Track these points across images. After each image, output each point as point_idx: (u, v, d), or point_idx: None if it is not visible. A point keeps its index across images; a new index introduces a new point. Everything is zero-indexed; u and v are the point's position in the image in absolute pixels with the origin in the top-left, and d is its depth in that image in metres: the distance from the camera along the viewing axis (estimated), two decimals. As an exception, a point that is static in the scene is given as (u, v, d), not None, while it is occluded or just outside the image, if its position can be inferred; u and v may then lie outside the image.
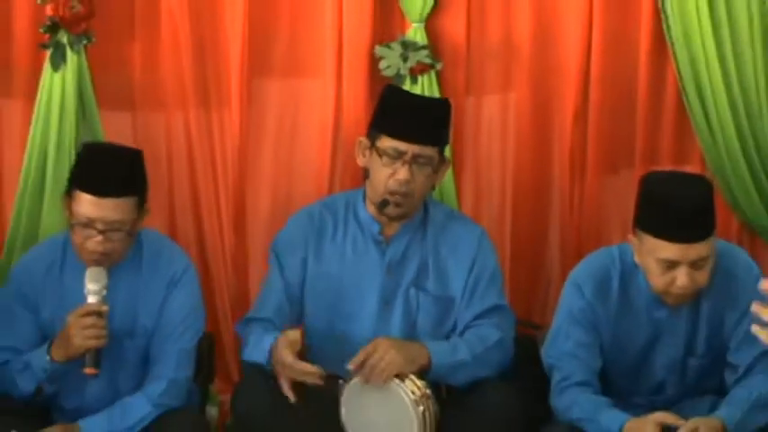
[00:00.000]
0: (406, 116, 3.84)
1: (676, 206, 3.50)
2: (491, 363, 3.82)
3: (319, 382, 3.66)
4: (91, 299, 3.65)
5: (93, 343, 3.60)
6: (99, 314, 3.63)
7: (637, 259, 3.65)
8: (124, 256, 3.77)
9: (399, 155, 3.80)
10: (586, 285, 3.75)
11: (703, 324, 3.73)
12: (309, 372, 3.66)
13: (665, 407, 3.74)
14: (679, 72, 4.33)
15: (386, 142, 3.82)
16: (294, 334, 3.72)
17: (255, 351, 3.81)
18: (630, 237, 3.66)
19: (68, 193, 3.72)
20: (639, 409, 3.70)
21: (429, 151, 3.82)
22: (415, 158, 3.81)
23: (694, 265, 3.52)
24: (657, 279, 3.59)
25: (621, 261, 3.75)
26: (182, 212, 4.53)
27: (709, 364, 3.78)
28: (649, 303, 3.70)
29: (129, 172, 3.74)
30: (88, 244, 3.67)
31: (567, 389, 3.71)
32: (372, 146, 3.86)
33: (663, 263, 3.53)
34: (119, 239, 3.68)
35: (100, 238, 3.65)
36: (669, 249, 3.51)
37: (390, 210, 3.86)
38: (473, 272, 3.92)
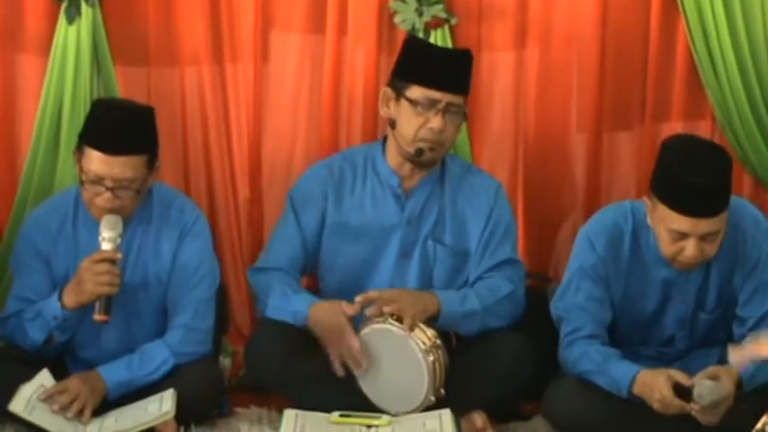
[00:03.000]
0: (438, 65, 3.85)
1: (692, 185, 3.49)
2: (501, 314, 3.85)
3: (358, 371, 3.70)
4: (105, 246, 3.67)
5: (105, 290, 3.63)
6: (113, 261, 3.65)
7: (649, 221, 3.67)
8: (134, 211, 3.79)
9: (433, 104, 3.81)
10: (598, 241, 3.77)
11: (713, 280, 3.75)
12: (362, 363, 3.68)
13: (675, 358, 3.79)
14: (689, 29, 4.32)
15: (417, 92, 3.82)
16: (354, 309, 3.70)
17: (284, 312, 3.81)
18: (645, 198, 3.67)
19: (79, 149, 3.74)
20: (648, 361, 3.74)
21: (459, 100, 3.85)
22: (448, 107, 3.81)
23: (704, 238, 3.54)
24: (666, 247, 3.60)
25: (634, 217, 3.76)
26: (195, 168, 4.54)
27: (718, 318, 3.79)
28: (660, 260, 3.71)
29: (141, 130, 3.76)
30: (97, 200, 3.69)
31: (576, 341, 3.73)
32: (400, 96, 3.85)
33: (673, 233, 3.55)
34: (128, 197, 3.70)
35: (109, 195, 3.67)
36: (680, 222, 3.52)
37: (426, 156, 3.86)
38: (489, 224, 3.94)
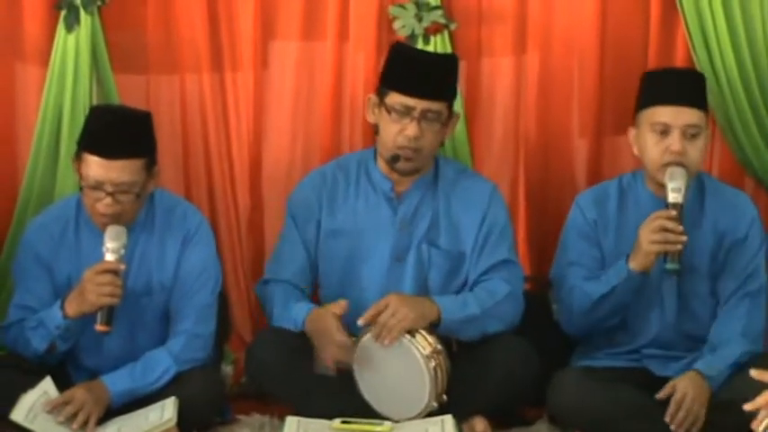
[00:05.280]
0: (415, 72, 3.86)
1: (670, 72, 3.99)
2: (501, 316, 3.84)
3: (356, 362, 3.70)
4: (109, 256, 3.67)
5: (107, 300, 3.62)
6: (115, 272, 3.64)
7: (636, 152, 3.91)
8: (135, 218, 3.79)
9: (408, 111, 3.82)
10: (586, 204, 3.98)
11: (703, 241, 3.87)
12: (355, 355, 3.69)
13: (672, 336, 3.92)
14: (689, 32, 4.33)
15: (394, 98, 3.84)
16: (340, 307, 3.72)
17: (286, 321, 3.83)
18: (629, 130, 3.92)
19: (78, 156, 3.75)
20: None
21: (437, 106, 3.84)
22: (424, 114, 3.82)
23: (686, 133, 3.78)
24: (653, 150, 3.81)
25: (619, 182, 4.01)
26: (195, 175, 4.54)
27: (708, 290, 3.91)
28: (647, 215, 3.80)
29: (137, 133, 3.77)
30: (98, 206, 3.69)
31: (573, 295, 3.88)
32: (381, 102, 3.87)
33: (658, 128, 3.80)
34: (128, 201, 3.70)
35: (109, 200, 3.67)
36: (663, 112, 3.80)
37: (401, 165, 3.88)
38: (484, 226, 3.94)
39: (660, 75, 3.96)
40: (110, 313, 3.64)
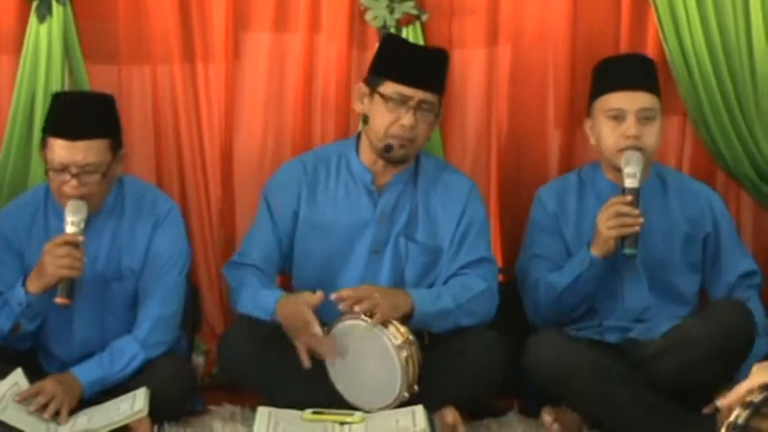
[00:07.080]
0: (412, 62, 3.88)
1: (624, 59, 4.08)
2: (475, 312, 3.85)
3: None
4: (69, 229, 3.67)
5: (65, 272, 3.62)
6: (75, 245, 3.64)
7: (593, 142, 3.97)
8: (103, 201, 3.81)
9: (405, 100, 3.83)
10: (547, 196, 4.05)
11: (676, 230, 3.96)
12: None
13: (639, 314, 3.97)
14: (661, 24, 4.33)
15: (391, 87, 3.84)
16: (317, 299, 3.68)
17: (254, 307, 3.82)
18: (585, 122, 4.01)
19: (43, 143, 3.76)
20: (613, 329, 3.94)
21: (432, 98, 3.87)
22: (420, 104, 3.84)
23: (640, 117, 3.84)
24: (610, 136, 3.87)
25: (578, 174, 4.09)
26: (167, 166, 4.52)
27: (678, 268, 3.99)
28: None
29: (99, 114, 3.79)
30: (64, 189, 3.70)
31: (538, 286, 3.91)
32: (373, 92, 3.87)
33: (613, 114, 3.86)
34: (94, 182, 3.71)
35: (74, 181, 3.68)
36: (616, 98, 3.87)
37: (395, 152, 3.88)
38: (462, 223, 3.95)
39: (610, 62, 4.01)
40: (70, 286, 3.64)
